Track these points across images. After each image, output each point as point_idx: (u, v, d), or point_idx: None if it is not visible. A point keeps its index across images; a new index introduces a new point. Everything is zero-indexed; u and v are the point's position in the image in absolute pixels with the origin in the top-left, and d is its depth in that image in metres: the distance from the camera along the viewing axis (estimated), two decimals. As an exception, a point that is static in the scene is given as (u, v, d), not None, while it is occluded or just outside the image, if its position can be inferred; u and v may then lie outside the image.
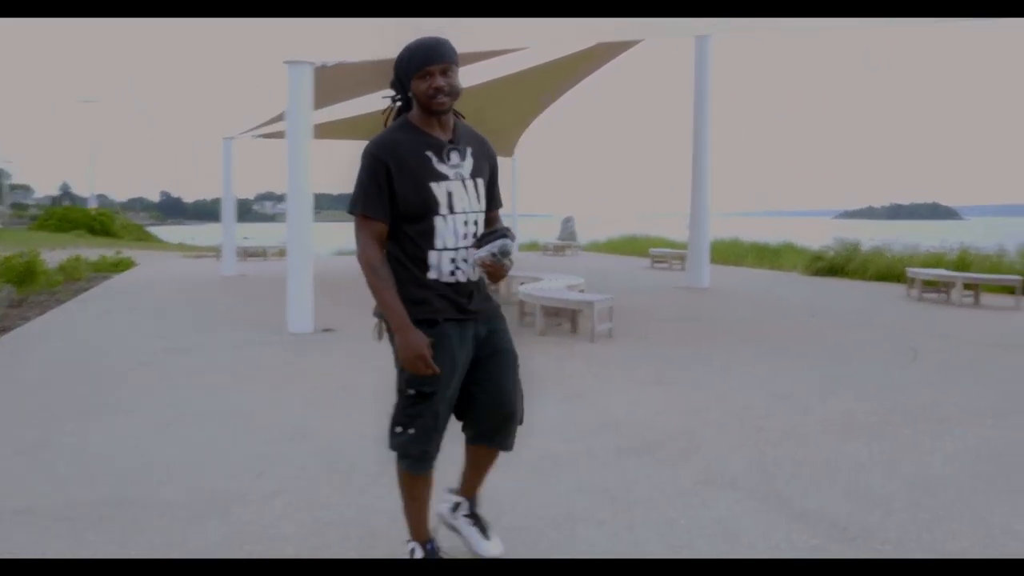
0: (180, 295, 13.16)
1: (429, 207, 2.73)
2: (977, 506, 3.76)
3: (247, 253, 20.91)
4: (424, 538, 2.98)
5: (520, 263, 19.43)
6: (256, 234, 36.55)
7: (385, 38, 8.87)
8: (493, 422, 2.94)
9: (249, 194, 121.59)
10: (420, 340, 2.69)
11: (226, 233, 16.69)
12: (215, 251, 20.95)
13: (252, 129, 15.91)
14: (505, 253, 2.72)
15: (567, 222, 29.42)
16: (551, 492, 3.93)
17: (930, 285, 12.34)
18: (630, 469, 4.28)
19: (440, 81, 2.67)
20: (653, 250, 20.19)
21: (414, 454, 2.84)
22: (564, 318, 9.38)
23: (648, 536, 3.41)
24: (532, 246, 28.14)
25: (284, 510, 3.69)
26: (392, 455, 2.90)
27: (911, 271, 12.81)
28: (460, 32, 9.10)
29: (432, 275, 2.77)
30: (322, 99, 9.71)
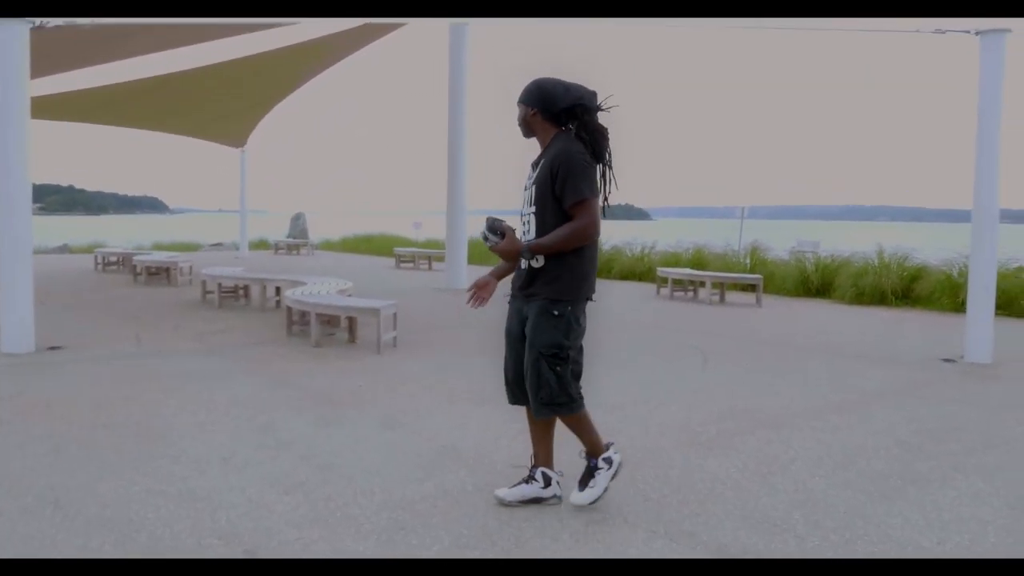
0: None
1: None
2: (874, 519, 3.60)
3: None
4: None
5: (253, 263, 17.98)
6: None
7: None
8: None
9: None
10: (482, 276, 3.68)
11: None
12: None
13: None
14: (484, 237, 3.50)
15: (297, 219, 28.04)
16: (426, 549, 3.22)
17: (678, 284, 12.92)
18: (504, 513, 3.67)
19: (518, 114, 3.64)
20: (398, 249, 19.60)
21: None
22: (335, 326, 8.52)
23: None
24: (262, 244, 26.39)
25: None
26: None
27: (661, 271, 13.35)
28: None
29: None
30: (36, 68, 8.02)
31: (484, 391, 6.06)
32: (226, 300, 11.11)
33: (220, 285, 10.96)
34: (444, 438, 4.81)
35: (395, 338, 8.08)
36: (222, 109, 17.40)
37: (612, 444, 3.75)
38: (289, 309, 8.64)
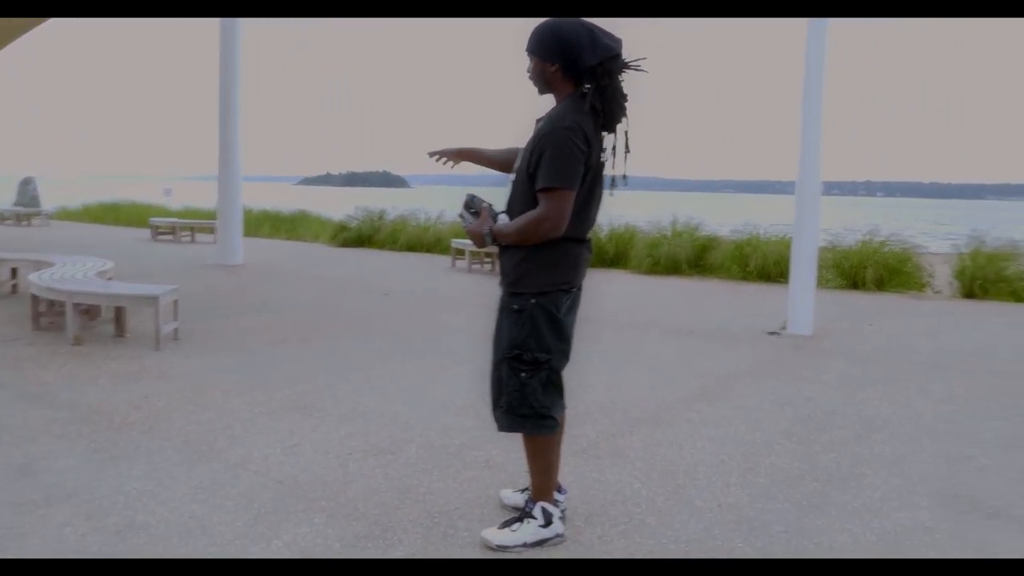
0: None
1: None
2: (819, 538, 3.11)
3: None
4: None
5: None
6: None
7: None
8: None
9: None
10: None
11: None
12: None
13: None
14: (460, 216, 3.05)
15: (26, 184, 24.40)
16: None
17: (476, 256, 12.33)
18: None
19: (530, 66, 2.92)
20: (155, 220, 17.44)
21: None
22: (95, 316, 7.03)
23: None
24: (-19, 215, 22.69)
25: None
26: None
27: (457, 242, 12.72)
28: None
29: None
30: None
31: (305, 394, 5.07)
32: (-57, 286, 9.03)
33: (-65, 267, 8.85)
34: (276, 469, 3.80)
35: (176, 330, 6.76)
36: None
37: (563, 497, 3.20)
38: (35, 297, 7.01)
